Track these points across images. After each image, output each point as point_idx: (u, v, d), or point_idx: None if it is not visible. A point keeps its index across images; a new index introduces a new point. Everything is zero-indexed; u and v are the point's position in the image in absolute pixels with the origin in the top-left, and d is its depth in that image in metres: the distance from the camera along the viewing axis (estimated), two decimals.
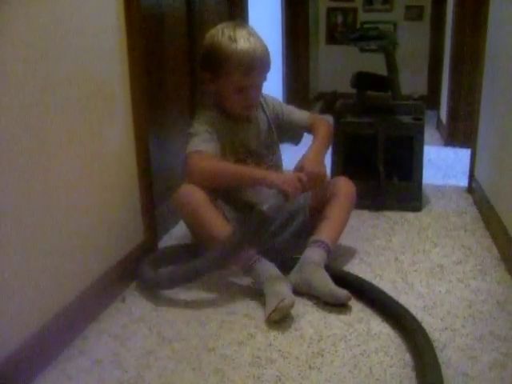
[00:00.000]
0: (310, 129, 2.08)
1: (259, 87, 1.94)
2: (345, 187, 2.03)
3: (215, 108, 1.98)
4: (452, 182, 3.12)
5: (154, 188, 2.03)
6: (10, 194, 1.28)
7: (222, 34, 1.85)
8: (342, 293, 1.70)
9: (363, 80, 2.59)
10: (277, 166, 2.10)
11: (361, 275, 1.87)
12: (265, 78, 1.93)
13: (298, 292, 1.76)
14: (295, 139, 2.17)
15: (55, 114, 1.43)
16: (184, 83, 2.50)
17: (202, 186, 1.78)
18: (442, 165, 3.52)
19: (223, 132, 1.93)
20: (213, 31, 1.90)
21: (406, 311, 1.61)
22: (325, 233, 1.90)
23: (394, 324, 1.61)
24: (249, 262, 1.77)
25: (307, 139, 2.07)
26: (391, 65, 2.58)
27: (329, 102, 2.61)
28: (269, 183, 1.75)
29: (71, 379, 1.38)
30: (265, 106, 2.08)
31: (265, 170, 1.89)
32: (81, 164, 1.57)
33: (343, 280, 1.79)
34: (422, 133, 2.52)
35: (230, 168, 1.85)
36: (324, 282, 1.74)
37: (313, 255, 1.82)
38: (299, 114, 2.14)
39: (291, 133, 2.13)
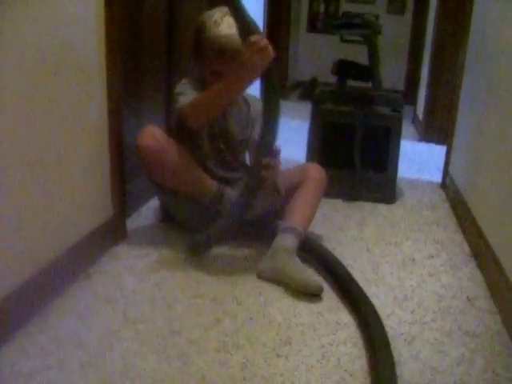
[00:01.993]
0: None
1: None
2: (315, 174, 2.00)
3: (199, 84, 1.97)
4: (426, 176, 3.12)
5: (126, 164, 1.96)
6: None
7: (211, 16, 1.89)
8: (315, 283, 1.67)
9: (344, 68, 2.56)
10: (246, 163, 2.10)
11: None
12: None
13: (266, 279, 1.75)
14: None
15: (22, 81, 1.36)
16: (162, 58, 2.43)
17: (202, 123, 1.86)
18: (417, 159, 3.53)
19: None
20: (206, 13, 1.93)
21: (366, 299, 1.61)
22: (296, 219, 1.88)
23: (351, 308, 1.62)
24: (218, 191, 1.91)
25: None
26: (373, 55, 2.55)
27: (308, 89, 2.56)
28: (246, 76, 1.68)
29: (29, 358, 1.32)
30: (251, 104, 2.08)
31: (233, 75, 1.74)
32: (49, 134, 1.50)
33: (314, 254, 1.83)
34: (399, 125, 2.51)
35: (208, 93, 1.79)
36: (298, 270, 1.71)
37: (286, 242, 1.79)
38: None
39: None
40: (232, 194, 1.95)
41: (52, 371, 1.28)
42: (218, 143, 2.02)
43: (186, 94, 1.88)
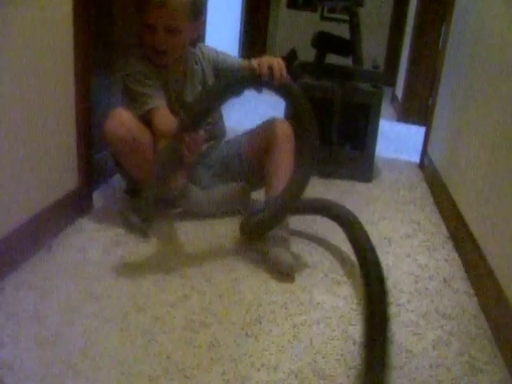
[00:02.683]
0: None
1: (171, 32, 1.78)
2: (282, 130, 1.88)
3: (145, 58, 1.86)
4: (403, 156, 3.07)
5: (94, 134, 1.86)
6: None
7: None
8: (288, 260, 1.60)
9: (324, 40, 2.48)
10: (213, 133, 1.98)
11: (306, 242, 1.81)
12: (174, 26, 1.77)
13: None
14: None
15: None
16: (134, 26, 2.32)
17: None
18: (395, 139, 3.48)
19: (157, 81, 1.83)
20: None
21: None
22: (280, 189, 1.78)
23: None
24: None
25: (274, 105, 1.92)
26: (355, 28, 2.47)
27: (287, 61, 2.47)
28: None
29: None
30: (201, 57, 1.96)
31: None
32: (12, 101, 1.39)
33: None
34: (379, 101, 2.44)
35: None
36: (279, 243, 1.66)
37: None
38: (234, 60, 2.02)
39: None
40: (197, 194, 1.88)
41: (6, 349, 1.19)
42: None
43: (147, 94, 1.77)
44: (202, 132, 1.61)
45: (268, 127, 1.91)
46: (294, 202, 1.65)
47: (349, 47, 2.50)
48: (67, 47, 1.66)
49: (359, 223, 1.62)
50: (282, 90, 1.61)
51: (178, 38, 1.81)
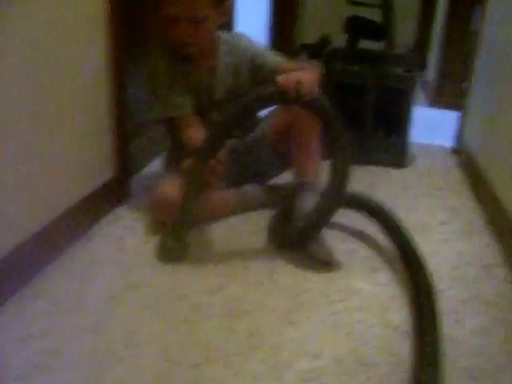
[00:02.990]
0: (276, 74, 1.63)
1: (197, 23, 1.67)
2: (302, 111, 1.74)
3: (167, 54, 1.77)
4: (437, 141, 3.02)
5: (128, 122, 1.87)
6: None
7: None
8: (325, 249, 1.59)
9: (357, 25, 2.44)
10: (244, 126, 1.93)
11: (340, 232, 1.80)
12: (199, 16, 1.65)
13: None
14: None
15: (20, 36, 1.27)
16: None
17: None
18: (427, 124, 3.42)
19: (182, 79, 1.75)
20: None
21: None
22: (309, 172, 1.78)
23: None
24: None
25: None
26: (388, 11, 2.42)
27: (318, 47, 2.45)
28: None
29: (26, 322, 1.25)
30: (232, 46, 1.84)
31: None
32: (45, 90, 1.41)
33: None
34: (414, 86, 2.40)
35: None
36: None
37: (309, 203, 1.68)
38: (272, 57, 1.86)
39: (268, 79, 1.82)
40: (253, 190, 1.93)
41: (50, 337, 1.21)
42: (209, 117, 1.82)
43: (173, 100, 1.72)
44: (223, 151, 1.56)
45: (290, 108, 1.82)
46: (330, 216, 1.63)
47: (382, 32, 2.46)
48: (101, 37, 1.67)
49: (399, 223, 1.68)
50: (309, 106, 1.56)
51: (203, 27, 1.69)
